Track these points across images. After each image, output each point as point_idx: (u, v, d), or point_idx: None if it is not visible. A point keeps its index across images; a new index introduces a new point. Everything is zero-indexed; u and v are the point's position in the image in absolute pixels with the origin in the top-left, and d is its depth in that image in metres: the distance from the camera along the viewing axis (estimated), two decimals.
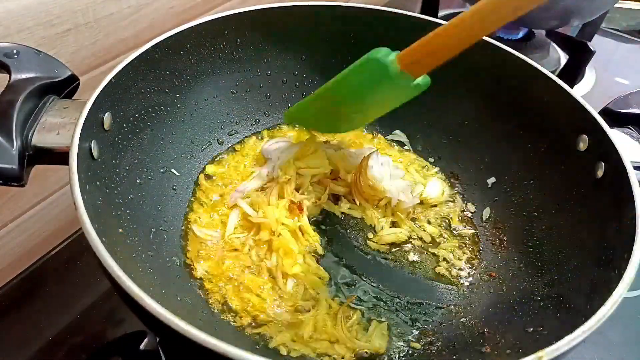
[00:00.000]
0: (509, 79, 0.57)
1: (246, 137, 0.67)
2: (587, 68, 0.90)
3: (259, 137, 0.68)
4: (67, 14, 0.54)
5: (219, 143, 0.65)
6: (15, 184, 0.40)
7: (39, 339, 0.52)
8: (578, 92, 0.85)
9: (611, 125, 0.48)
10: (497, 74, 0.57)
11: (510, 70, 0.56)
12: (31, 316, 0.54)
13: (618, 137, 0.47)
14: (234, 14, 0.58)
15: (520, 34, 0.92)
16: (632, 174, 0.43)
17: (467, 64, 0.60)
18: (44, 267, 0.59)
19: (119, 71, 0.47)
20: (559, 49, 0.95)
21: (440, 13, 1.02)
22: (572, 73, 0.84)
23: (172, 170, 0.58)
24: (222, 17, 0.58)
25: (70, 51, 0.56)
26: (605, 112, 0.54)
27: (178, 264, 0.52)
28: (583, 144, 0.49)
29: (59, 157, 0.41)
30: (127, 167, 0.50)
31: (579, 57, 0.82)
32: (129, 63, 0.48)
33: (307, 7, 0.62)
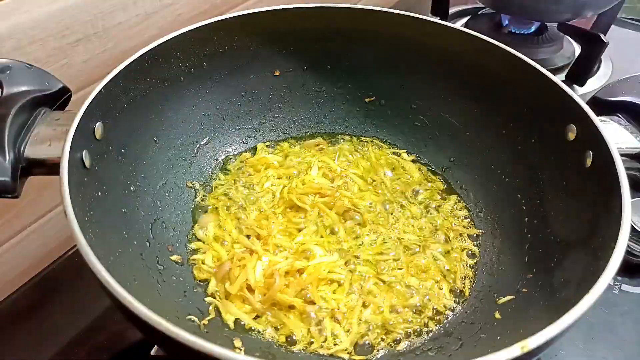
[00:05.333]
0: (496, 71, 0.57)
1: None
2: (603, 60, 0.88)
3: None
4: (77, 24, 0.55)
5: None
6: (9, 195, 0.41)
7: (50, 346, 0.53)
8: (593, 85, 0.82)
9: (600, 114, 0.48)
10: (484, 68, 0.57)
11: (496, 62, 0.56)
12: (44, 322, 0.55)
13: (606, 125, 0.47)
14: (222, 19, 0.58)
15: (533, 28, 0.89)
16: (619, 162, 0.42)
17: (453, 59, 0.61)
18: (59, 270, 0.60)
19: (109, 81, 0.47)
20: (573, 41, 0.92)
21: (452, 10, 0.97)
22: (585, 65, 0.81)
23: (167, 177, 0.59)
24: (211, 22, 0.58)
25: (81, 60, 0.57)
26: (594, 101, 0.54)
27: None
28: (572, 133, 0.49)
29: (52, 168, 0.42)
30: (122, 176, 0.51)
31: (592, 49, 0.80)
32: (118, 73, 0.49)
33: (308, 8, 0.62)
